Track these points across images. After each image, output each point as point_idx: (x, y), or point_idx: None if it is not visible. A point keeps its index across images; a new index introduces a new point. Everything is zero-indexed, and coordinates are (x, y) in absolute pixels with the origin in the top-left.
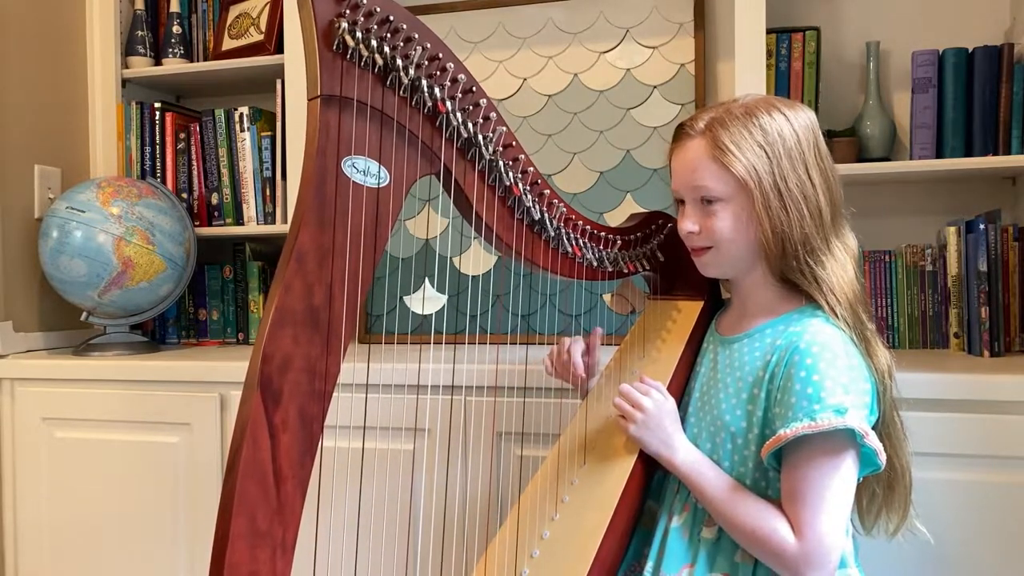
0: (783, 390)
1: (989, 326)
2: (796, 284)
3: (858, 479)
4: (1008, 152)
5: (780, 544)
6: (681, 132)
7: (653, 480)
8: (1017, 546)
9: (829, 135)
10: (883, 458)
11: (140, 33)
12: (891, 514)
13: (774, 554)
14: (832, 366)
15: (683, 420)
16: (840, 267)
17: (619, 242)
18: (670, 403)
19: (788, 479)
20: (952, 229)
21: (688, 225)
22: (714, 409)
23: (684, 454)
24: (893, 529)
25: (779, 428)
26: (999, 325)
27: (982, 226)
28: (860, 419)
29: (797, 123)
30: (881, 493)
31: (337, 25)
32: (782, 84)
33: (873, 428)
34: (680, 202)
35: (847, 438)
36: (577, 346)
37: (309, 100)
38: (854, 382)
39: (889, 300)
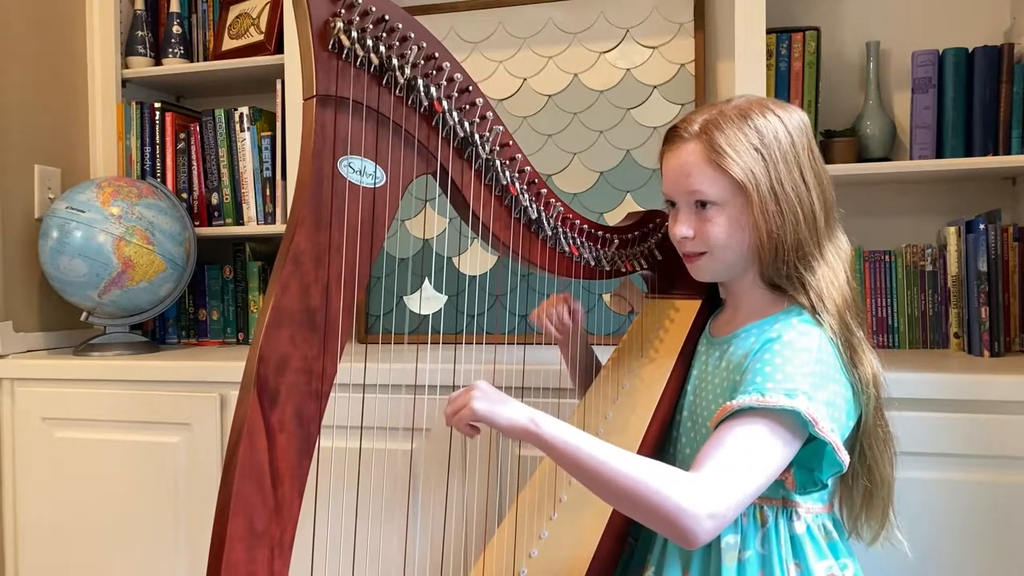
0: (746, 371)
1: (989, 326)
2: (785, 288)
3: (824, 479)
4: (1008, 152)
5: (679, 491)
6: (674, 135)
7: None
8: (1018, 545)
9: (829, 135)
10: (843, 456)
11: (140, 33)
12: (870, 523)
13: (668, 502)
14: (798, 356)
15: (679, 421)
16: (831, 272)
17: (616, 241)
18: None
19: (718, 433)
20: (952, 229)
21: (682, 230)
22: (704, 411)
23: (546, 418)
24: (871, 538)
25: (730, 400)
26: (999, 325)
27: (982, 226)
28: (811, 408)
29: (791, 124)
30: (860, 502)
31: (332, 25)
32: (782, 84)
33: (852, 437)
34: (672, 204)
35: (791, 422)
36: (561, 304)
37: (305, 100)
38: (818, 377)
39: (889, 300)
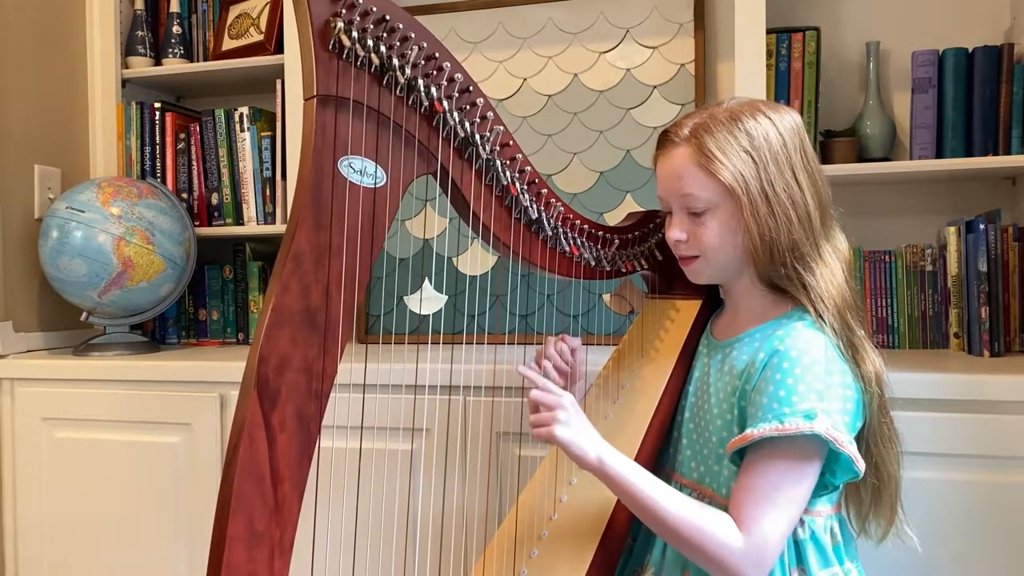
0: (756, 391)
1: (989, 326)
2: (785, 289)
3: (837, 485)
4: (1008, 152)
5: (724, 540)
6: (665, 139)
7: None
8: (1017, 545)
9: (829, 135)
10: (860, 465)
11: (140, 33)
12: (879, 520)
13: (716, 549)
14: (809, 371)
15: (680, 423)
16: (829, 272)
17: (617, 241)
18: (579, 408)
19: (745, 475)
20: (952, 229)
21: (676, 233)
22: (706, 414)
23: (612, 452)
24: (880, 535)
25: (747, 428)
26: (999, 325)
27: (982, 226)
28: (830, 425)
29: (783, 126)
30: (868, 500)
31: (333, 25)
32: (782, 84)
33: (858, 435)
34: (668, 207)
35: (813, 444)
36: (552, 348)
37: (305, 100)
38: (831, 388)
39: (889, 300)
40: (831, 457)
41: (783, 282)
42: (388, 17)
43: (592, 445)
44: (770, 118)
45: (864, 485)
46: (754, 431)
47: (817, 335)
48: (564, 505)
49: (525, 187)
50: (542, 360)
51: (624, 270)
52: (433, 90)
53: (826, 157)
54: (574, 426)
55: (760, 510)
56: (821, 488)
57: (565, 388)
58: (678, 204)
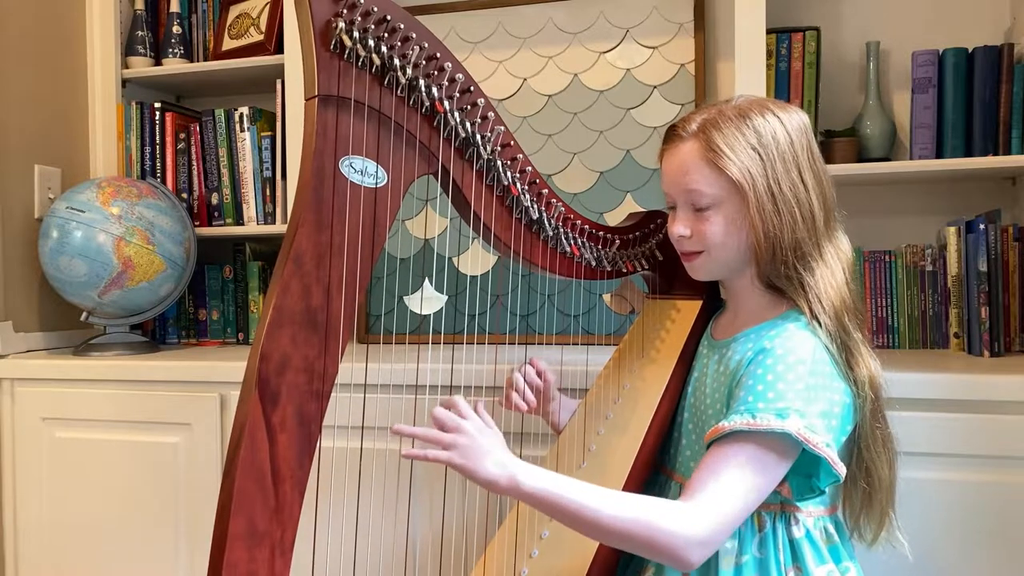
0: (739, 385)
1: (989, 326)
2: (783, 290)
3: (822, 488)
4: (1008, 152)
5: (674, 528)
6: (673, 134)
7: (653, 485)
8: (1017, 545)
9: (829, 135)
10: (840, 469)
11: (140, 33)
12: (870, 524)
13: (667, 538)
14: (791, 370)
15: (680, 423)
16: (830, 273)
17: (617, 241)
18: (495, 430)
19: (711, 457)
20: (952, 229)
21: (679, 229)
22: (703, 413)
23: (527, 472)
24: (871, 539)
25: (721, 420)
26: (999, 325)
27: (982, 226)
28: (803, 426)
29: (791, 125)
30: (859, 504)
31: (334, 25)
32: (782, 84)
33: (849, 439)
34: (672, 203)
35: (783, 443)
36: (516, 373)
37: (307, 100)
38: (812, 390)
39: (889, 300)
40: (811, 460)
41: (781, 282)
42: (389, 17)
43: (501, 468)
44: (779, 117)
45: (855, 489)
46: (726, 423)
47: (808, 337)
48: None
49: (526, 187)
50: (510, 392)
51: (625, 270)
52: (434, 90)
53: (826, 157)
54: (475, 453)
55: (715, 493)
56: (808, 492)
57: (539, 407)
58: (683, 199)
